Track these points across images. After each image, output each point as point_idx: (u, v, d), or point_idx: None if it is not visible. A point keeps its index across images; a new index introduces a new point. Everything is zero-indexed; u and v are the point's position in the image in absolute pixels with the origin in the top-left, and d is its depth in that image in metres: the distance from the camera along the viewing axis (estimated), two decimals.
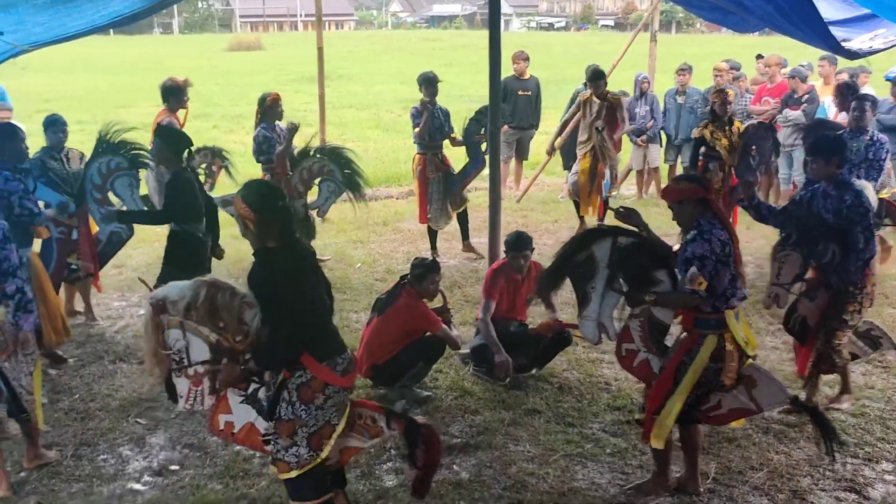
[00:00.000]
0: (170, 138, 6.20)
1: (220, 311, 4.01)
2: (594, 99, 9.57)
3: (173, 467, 5.07)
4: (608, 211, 9.90)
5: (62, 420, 5.56)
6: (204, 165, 8.61)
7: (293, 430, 3.92)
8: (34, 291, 5.15)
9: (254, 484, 4.81)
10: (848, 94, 8.09)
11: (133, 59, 32.78)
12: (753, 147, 8.56)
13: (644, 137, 11.90)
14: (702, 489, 4.75)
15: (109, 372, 6.37)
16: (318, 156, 8.58)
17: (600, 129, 9.51)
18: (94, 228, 7.21)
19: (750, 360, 4.63)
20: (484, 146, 8.95)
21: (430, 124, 8.97)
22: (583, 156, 9.73)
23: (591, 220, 10.16)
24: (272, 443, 4.01)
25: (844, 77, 10.53)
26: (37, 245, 6.23)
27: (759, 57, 12.82)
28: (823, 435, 4.52)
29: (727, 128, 8.52)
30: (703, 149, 8.66)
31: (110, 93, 23.03)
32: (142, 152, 7.13)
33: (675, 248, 4.68)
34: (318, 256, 8.60)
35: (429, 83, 9.05)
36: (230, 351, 4.04)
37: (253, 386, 4.12)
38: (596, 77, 9.56)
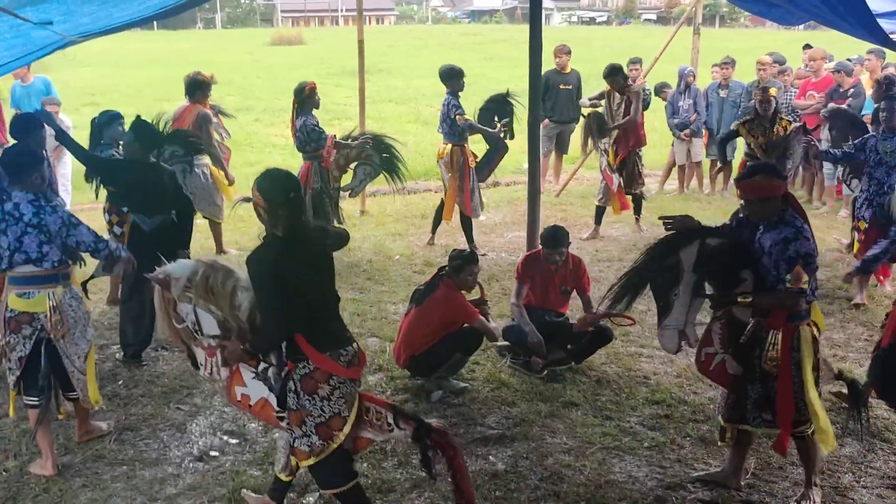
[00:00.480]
0: (143, 134, 6.29)
1: (215, 293, 4.14)
2: (615, 94, 9.60)
3: (213, 453, 5.14)
4: (638, 204, 9.94)
5: (106, 405, 5.65)
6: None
7: (301, 419, 3.96)
8: None
9: None
10: (883, 85, 8.02)
11: (176, 53, 33.13)
12: (789, 150, 8.45)
13: (688, 131, 11.80)
14: (742, 483, 4.72)
15: (152, 359, 6.47)
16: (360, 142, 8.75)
17: (585, 116, 9.56)
18: None
19: None
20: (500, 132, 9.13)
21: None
22: (608, 149, 9.75)
23: (621, 217, 10.14)
24: (290, 431, 4.07)
25: (891, 71, 10.36)
26: None
27: (808, 47, 12.62)
28: (856, 405, 4.63)
29: (767, 126, 8.39)
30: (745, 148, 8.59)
31: (154, 86, 23.29)
32: (195, 139, 7.32)
33: None
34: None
35: (459, 76, 9.16)
36: (237, 329, 4.15)
37: (262, 365, 4.18)
38: (612, 73, 9.65)
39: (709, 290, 4.52)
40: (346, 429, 3.97)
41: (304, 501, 4.60)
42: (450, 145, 9.21)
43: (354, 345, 4.07)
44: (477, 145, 9.57)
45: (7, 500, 4.60)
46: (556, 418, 5.56)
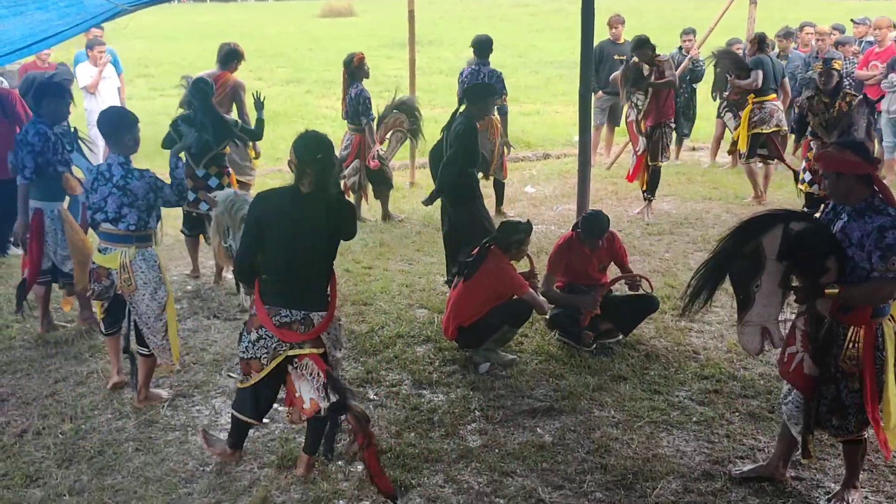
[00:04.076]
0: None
1: (233, 221, 4.84)
2: (643, 66, 9.40)
3: (264, 420, 5.20)
4: (654, 181, 9.56)
5: (159, 372, 5.76)
6: None
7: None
8: (68, 244, 6.04)
9: (340, 439, 4.90)
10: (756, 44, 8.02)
11: (229, 25, 33.34)
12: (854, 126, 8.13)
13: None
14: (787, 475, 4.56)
15: (204, 327, 6.58)
16: (395, 111, 9.03)
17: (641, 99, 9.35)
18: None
19: None
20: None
21: None
22: (640, 122, 9.59)
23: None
24: None
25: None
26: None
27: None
28: None
29: (828, 102, 7.97)
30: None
31: (207, 58, 23.47)
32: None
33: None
34: (394, 216, 8.89)
35: (486, 45, 9.55)
36: None
37: None
38: (639, 46, 9.38)
39: (793, 281, 4.19)
40: (262, 374, 4.31)
41: (351, 470, 4.64)
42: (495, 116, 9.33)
43: (310, 313, 4.25)
44: None
45: (63, 461, 4.72)
46: (605, 392, 5.54)
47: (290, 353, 4.29)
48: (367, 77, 8.91)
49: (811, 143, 8.16)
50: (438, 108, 16.93)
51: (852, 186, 4.02)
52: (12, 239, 8.46)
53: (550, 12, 35.23)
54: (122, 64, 12.08)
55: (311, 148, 4.15)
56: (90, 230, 5.57)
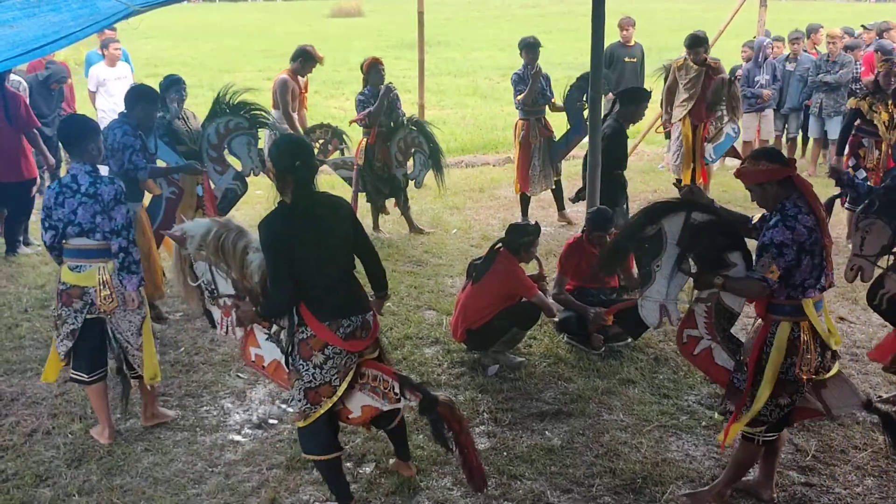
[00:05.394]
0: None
1: (224, 253, 4.25)
2: (691, 65, 9.28)
3: (272, 421, 5.22)
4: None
5: (168, 372, 5.77)
6: (321, 142, 8.92)
7: (293, 382, 4.07)
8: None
9: (349, 441, 4.91)
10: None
11: (238, 25, 33.46)
12: None
13: (760, 100, 11.46)
14: (774, 495, 4.45)
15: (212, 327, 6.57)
16: (412, 127, 8.79)
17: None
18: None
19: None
20: (586, 113, 8.79)
21: (535, 89, 8.95)
22: (681, 121, 9.47)
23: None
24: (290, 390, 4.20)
25: None
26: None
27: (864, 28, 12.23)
28: (893, 441, 4.27)
29: (890, 102, 8.03)
30: (857, 122, 8.25)
31: (216, 58, 23.52)
32: (262, 112, 7.35)
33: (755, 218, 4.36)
34: (421, 228, 8.72)
35: (531, 48, 9.07)
36: (250, 290, 4.23)
37: (275, 327, 4.28)
38: (696, 44, 9.21)
39: (694, 269, 4.34)
40: (335, 398, 4.04)
41: (359, 472, 4.65)
42: (517, 118, 9.26)
43: (365, 316, 4.08)
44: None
45: (72, 461, 4.74)
46: (613, 395, 5.53)
47: (360, 360, 4.13)
48: (382, 82, 8.70)
49: (863, 139, 8.25)
50: (447, 108, 16.95)
51: (776, 192, 4.11)
52: (21, 238, 8.53)
53: (558, 14, 35.26)
54: (133, 63, 12.11)
55: (288, 154, 3.91)
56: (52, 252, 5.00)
